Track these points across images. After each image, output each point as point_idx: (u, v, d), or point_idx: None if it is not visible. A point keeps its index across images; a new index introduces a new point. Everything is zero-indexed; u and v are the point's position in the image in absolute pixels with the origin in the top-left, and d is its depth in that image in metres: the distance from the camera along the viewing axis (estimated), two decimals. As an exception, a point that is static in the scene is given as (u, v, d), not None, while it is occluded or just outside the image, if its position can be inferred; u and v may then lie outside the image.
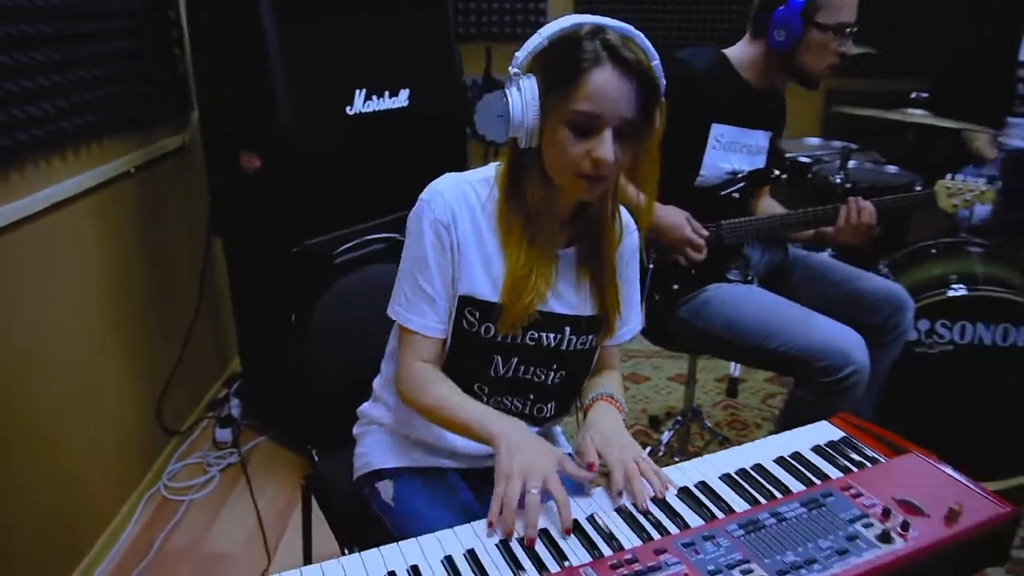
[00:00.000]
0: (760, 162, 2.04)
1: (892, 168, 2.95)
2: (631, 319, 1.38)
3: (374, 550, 1.01)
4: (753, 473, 1.16)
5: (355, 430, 1.46)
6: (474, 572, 0.96)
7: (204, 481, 2.36)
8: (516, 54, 1.14)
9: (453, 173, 1.25)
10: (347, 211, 2.19)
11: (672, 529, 1.03)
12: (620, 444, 1.17)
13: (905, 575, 0.97)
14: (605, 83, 1.07)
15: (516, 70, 1.14)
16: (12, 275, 1.71)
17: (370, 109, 2.22)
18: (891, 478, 1.13)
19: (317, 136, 2.11)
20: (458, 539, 1.03)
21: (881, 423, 1.26)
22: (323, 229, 2.17)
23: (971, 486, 1.10)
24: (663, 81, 1.12)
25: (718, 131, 1.91)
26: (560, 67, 1.09)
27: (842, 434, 1.27)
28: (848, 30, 1.81)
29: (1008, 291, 2.18)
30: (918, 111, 2.44)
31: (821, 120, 3.80)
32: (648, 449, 2.47)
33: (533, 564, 0.97)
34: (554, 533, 1.02)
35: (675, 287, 1.96)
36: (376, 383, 1.42)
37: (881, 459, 1.19)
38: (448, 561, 0.98)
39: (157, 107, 2.33)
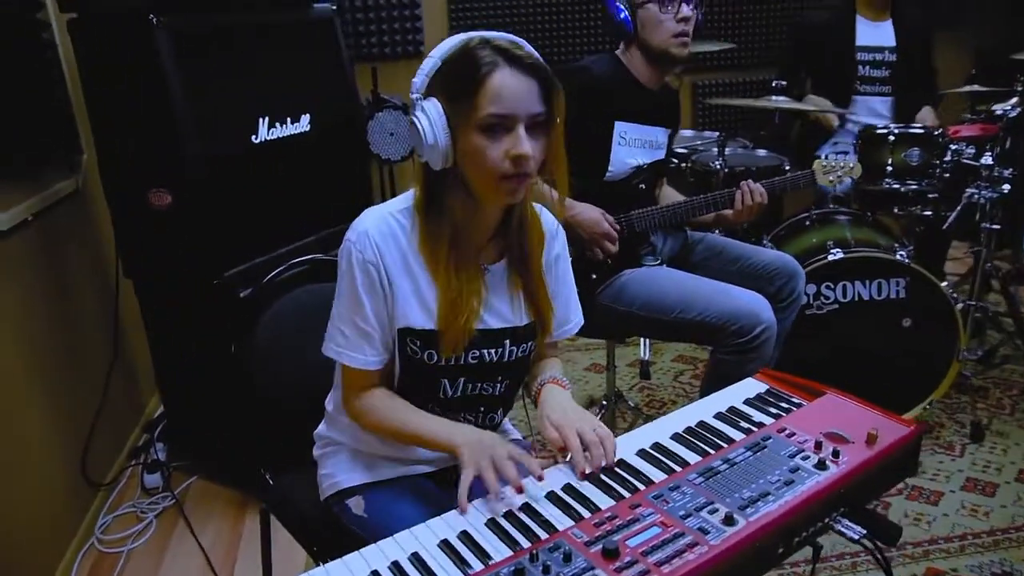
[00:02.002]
0: (660, 155, 2.22)
1: (761, 151, 3.23)
2: (571, 316, 1.46)
3: (355, 553, 1.04)
4: (699, 429, 1.29)
5: (315, 452, 1.48)
6: (472, 551, 1.03)
7: (140, 529, 2.28)
8: (413, 80, 1.17)
9: (375, 207, 1.26)
10: (263, 238, 2.20)
11: (640, 486, 1.14)
12: (577, 417, 1.26)
13: (843, 495, 1.11)
14: (507, 82, 1.12)
15: (416, 95, 1.17)
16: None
17: (274, 136, 2.24)
18: (816, 416, 1.28)
19: (226, 167, 2.10)
20: (448, 524, 1.09)
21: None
22: (242, 258, 2.16)
23: (880, 414, 1.27)
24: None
25: (621, 128, 2.07)
26: (460, 80, 1.13)
27: (767, 386, 1.43)
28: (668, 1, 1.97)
29: (876, 250, 2.46)
30: (780, 98, 2.69)
31: (692, 113, 4.07)
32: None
33: (523, 535, 1.05)
34: (536, 505, 1.11)
35: (593, 276, 2.09)
36: (329, 404, 1.44)
37: (804, 403, 1.35)
38: (446, 544, 1.05)
39: (44, 151, 2.24)
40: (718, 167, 2.82)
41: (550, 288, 1.37)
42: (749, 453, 1.19)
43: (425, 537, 1.07)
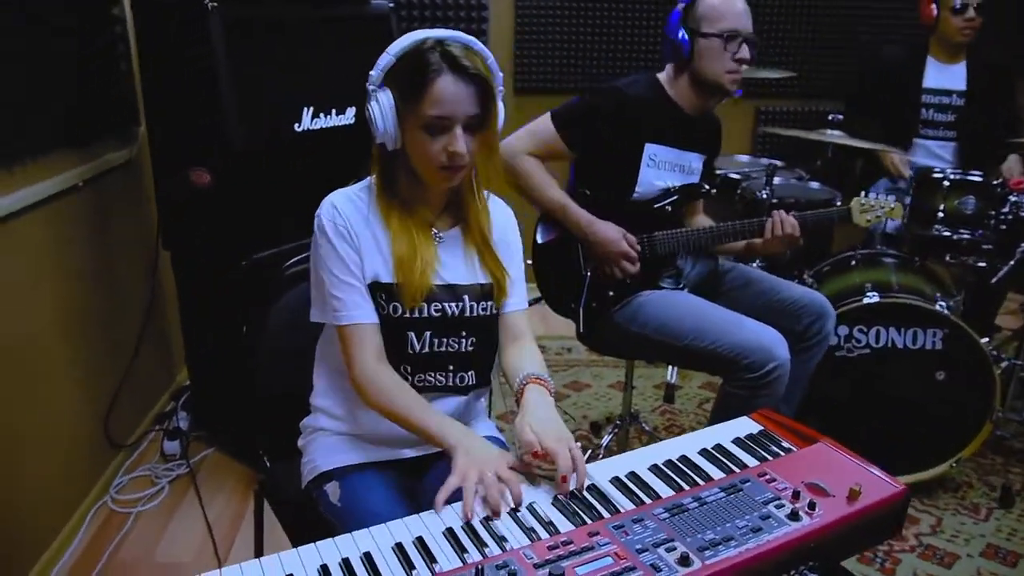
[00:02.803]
0: (692, 181, 2.18)
1: (814, 184, 3.14)
2: (520, 290, 1.52)
3: (311, 545, 1.06)
4: (679, 463, 1.27)
5: (300, 442, 1.54)
6: (422, 556, 1.04)
7: (153, 493, 2.37)
8: (371, 73, 1.31)
9: (337, 190, 1.42)
10: (293, 225, 2.24)
11: (605, 514, 1.13)
12: (556, 433, 1.26)
13: (813, 549, 1.08)
14: (448, 89, 1.25)
15: (372, 87, 1.30)
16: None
17: (317, 126, 2.29)
18: (801, 465, 1.24)
19: (265, 152, 2.16)
20: (407, 528, 1.11)
21: (807, 421, 1.37)
22: (270, 243, 2.22)
23: (870, 469, 1.22)
24: (499, 75, 1.32)
25: (651, 151, 2.04)
26: (409, 80, 1.27)
27: (760, 428, 1.39)
28: (738, 38, 1.97)
29: (917, 298, 2.36)
30: (835, 132, 2.62)
31: (751, 139, 4.00)
32: (588, 452, 2.57)
33: (476, 547, 1.05)
34: (493, 520, 1.11)
35: (610, 294, 2.07)
36: (314, 398, 1.52)
37: (794, 449, 1.31)
38: (398, 548, 1.06)
39: (103, 121, 2.35)
40: (765, 197, 2.76)
41: (502, 256, 1.47)
42: (723, 494, 1.16)
43: (382, 538, 1.08)
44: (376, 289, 1.36)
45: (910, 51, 3.02)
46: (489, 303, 1.44)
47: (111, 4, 2.34)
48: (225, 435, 2.57)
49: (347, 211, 1.36)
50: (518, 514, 1.13)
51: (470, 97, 1.27)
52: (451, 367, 1.43)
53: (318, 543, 1.07)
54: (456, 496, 1.17)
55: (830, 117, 2.69)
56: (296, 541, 1.49)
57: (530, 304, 2.02)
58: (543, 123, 2.05)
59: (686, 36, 1.98)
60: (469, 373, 1.46)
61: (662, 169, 2.08)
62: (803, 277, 2.70)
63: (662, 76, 2.10)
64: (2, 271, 1.88)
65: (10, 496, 1.92)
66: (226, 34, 2.01)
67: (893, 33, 3.80)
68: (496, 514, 1.13)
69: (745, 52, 1.99)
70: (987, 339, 2.36)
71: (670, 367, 3.11)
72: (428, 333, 1.39)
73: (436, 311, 1.39)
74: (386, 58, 1.29)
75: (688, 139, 2.11)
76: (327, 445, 1.46)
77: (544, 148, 2.05)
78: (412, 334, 1.39)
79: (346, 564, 1.03)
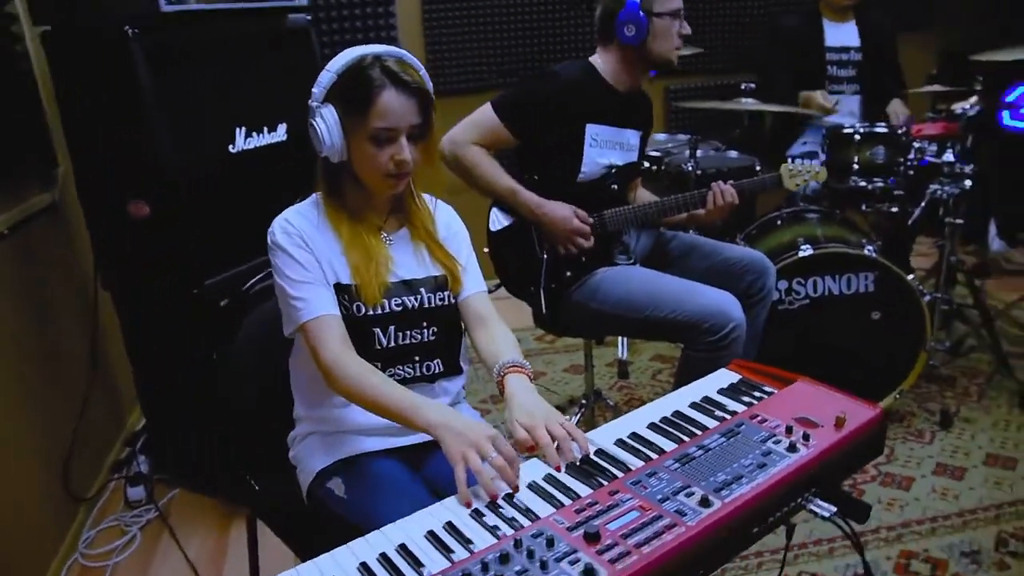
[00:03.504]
0: (633, 157, 2.27)
1: (732, 153, 3.30)
2: (477, 275, 1.59)
3: (344, 547, 1.07)
4: (674, 418, 1.33)
5: (291, 455, 1.55)
6: (457, 540, 1.06)
7: (125, 542, 2.28)
8: (313, 90, 1.38)
9: (287, 209, 1.47)
10: (242, 247, 2.20)
11: (618, 474, 1.17)
12: (544, 415, 1.29)
13: (814, 475, 1.16)
14: (391, 102, 1.34)
15: (315, 103, 1.37)
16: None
17: (252, 145, 2.26)
18: (787, 403, 1.33)
19: (203, 176, 2.12)
20: (433, 515, 1.12)
21: None
22: (221, 268, 2.17)
23: (848, 398, 1.32)
24: (430, 86, 1.39)
25: (593, 131, 2.11)
26: (353, 95, 1.34)
27: (739, 377, 1.47)
28: (681, 14, 2.10)
29: (845, 246, 2.52)
30: (749, 100, 2.75)
31: (665, 117, 4.14)
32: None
33: (506, 523, 1.08)
34: (518, 495, 1.14)
35: (568, 274, 2.13)
36: (296, 412, 1.55)
37: (775, 391, 1.39)
38: (431, 534, 1.07)
39: (18, 165, 2.24)
40: (691, 169, 2.88)
41: (452, 248, 1.55)
42: (723, 439, 1.23)
43: (411, 528, 1.10)
44: (338, 291, 1.42)
45: (807, 16, 3.21)
46: (445, 293, 1.51)
47: (14, 42, 2.24)
48: (191, 472, 2.50)
49: (298, 223, 1.42)
50: (537, 486, 1.16)
51: (412, 108, 1.36)
52: (416, 358, 1.49)
53: (351, 543, 1.07)
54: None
55: (743, 87, 2.83)
56: (304, 554, 1.49)
57: (492, 290, 2.06)
58: (485, 113, 2.09)
59: (644, 16, 2.05)
60: (435, 361, 1.51)
61: (604, 148, 2.15)
62: (735, 241, 2.83)
63: (595, 60, 2.17)
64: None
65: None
66: (148, 60, 1.96)
67: (786, 4, 4.01)
68: (515, 489, 1.15)
69: (687, 26, 2.11)
70: (911, 277, 2.53)
71: (620, 345, 3.21)
72: (392, 328, 1.46)
73: (397, 306, 1.46)
74: (327, 76, 1.36)
75: (625, 117, 2.19)
76: (320, 446, 1.48)
77: (489, 137, 2.09)
78: (378, 330, 1.45)
79: (384, 558, 1.04)
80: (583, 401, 2.65)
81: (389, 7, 3.67)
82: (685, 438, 1.26)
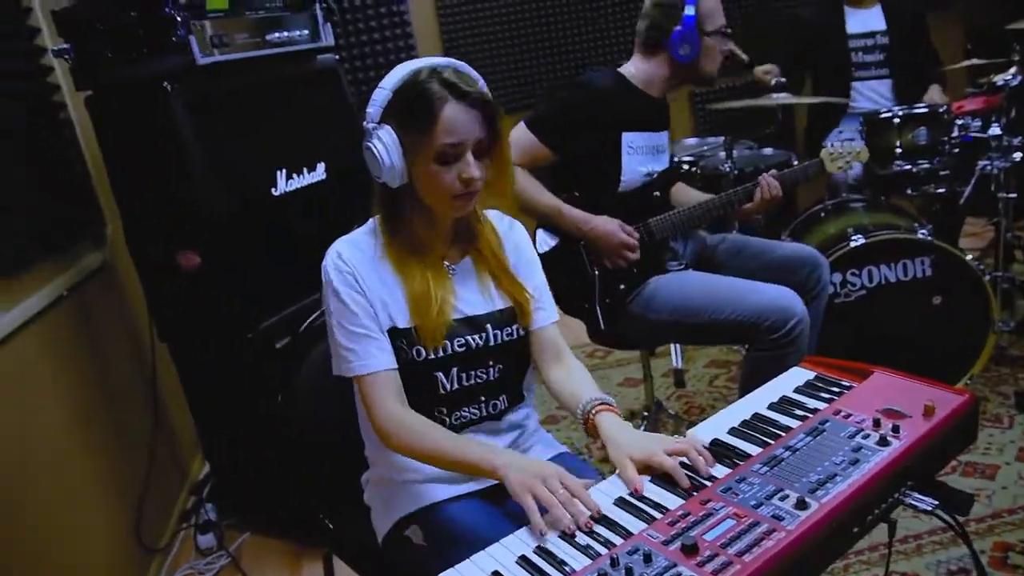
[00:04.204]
0: (665, 159, 2.25)
1: (767, 150, 3.25)
2: (550, 300, 1.52)
3: (451, 570, 1.04)
4: (755, 422, 1.30)
5: (365, 497, 1.51)
6: (552, 566, 1.03)
7: (200, 591, 2.29)
8: (368, 110, 1.29)
9: (342, 237, 1.39)
10: (292, 287, 2.22)
11: (706, 483, 1.14)
12: (658, 442, 1.21)
13: (909, 468, 1.11)
14: (456, 116, 1.24)
15: (371, 124, 1.28)
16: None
17: (293, 187, 2.28)
18: (869, 396, 1.28)
19: (250, 222, 2.15)
20: (522, 540, 1.10)
21: None
22: (274, 310, 2.19)
23: (932, 386, 1.27)
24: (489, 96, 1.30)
25: (628, 139, 2.10)
26: (413, 112, 1.25)
27: (814, 374, 1.43)
28: (727, 31, 2.09)
29: (897, 231, 2.46)
30: (781, 95, 2.72)
31: (692, 121, 4.11)
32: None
33: (599, 543, 1.05)
34: (606, 513, 1.11)
35: (621, 287, 2.11)
36: (368, 451, 1.49)
37: (854, 385, 1.35)
38: (524, 560, 1.05)
39: (71, 228, 2.29)
40: (728, 170, 2.84)
41: (521, 273, 1.46)
42: (809, 438, 1.19)
43: (502, 555, 1.07)
44: (395, 335, 1.34)
45: (827, 5, 3.17)
46: (513, 327, 1.42)
47: (58, 110, 2.30)
48: (260, 516, 2.50)
49: (352, 258, 1.34)
50: (624, 501, 1.13)
51: (477, 121, 1.27)
52: (483, 398, 1.42)
53: (444, 573, 1.05)
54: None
55: (773, 82, 2.80)
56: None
57: None
58: (520, 132, 2.08)
59: (697, 36, 2.03)
60: (500, 399, 1.44)
61: (641, 154, 2.14)
62: (780, 238, 2.79)
63: (625, 69, 2.16)
64: (11, 391, 1.81)
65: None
66: (187, 112, 2.00)
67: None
68: (588, 523, 1.08)
69: (728, 43, 2.12)
70: (969, 257, 2.46)
71: (674, 353, 3.16)
72: (455, 369, 1.38)
73: (460, 346, 1.37)
74: (382, 94, 1.28)
75: (655, 120, 2.18)
76: (394, 492, 1.41)
77: (526, 156, 2.07)
78: (440, 374, 1.37)
79: (478, 587, 1.02)
80: (644, 413, 2.60)
81: (408, 39, 3.71)
82: (770, 440, 1.22)
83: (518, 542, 1.10)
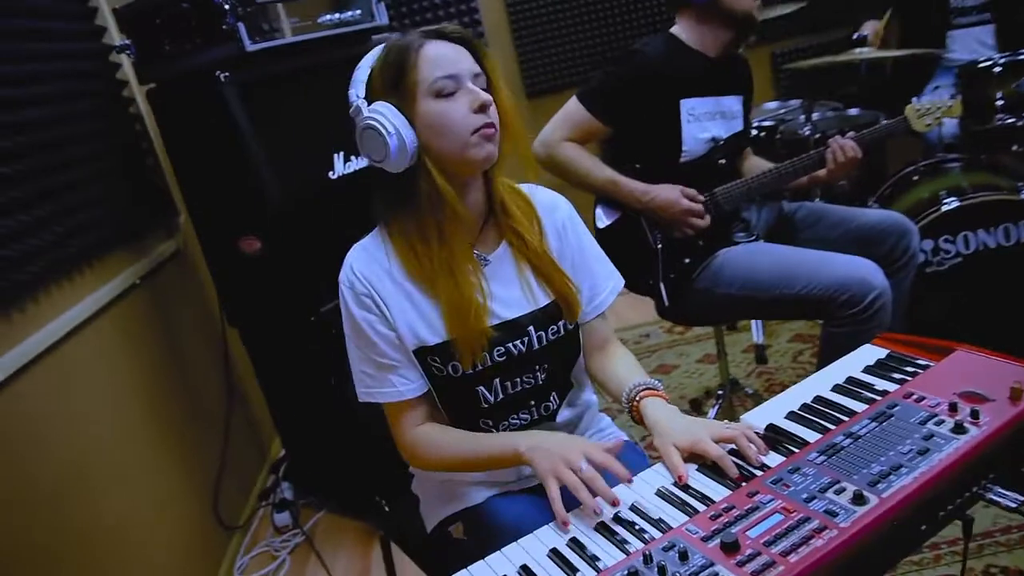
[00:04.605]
0: (738, 126, 2.11)
1: (853, 110, 3.03)
2: (600, 284, 1.36)
3: (463, 570, 1.00)
4: (816, 405, 1.20)
5: (413, 487, 1.48)
6: (582, 557, 0.98)
7: (275, 568, 2.35)
8: (350, 93, 1.18)
9: (355, 245, 1.27)
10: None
11: (756, 472, 1.05)
12: (704, 428, 1.14)
13: (991, 458, 1.00)
14: (439, 50, 1.15)
15: (359, 102, 1.16)
16: (48, 402, 1.73)
17: (351, 169, 2.27)
18: (946, 377, 1.16)
19: (308, 205, 2.15)
20: (555, 532, 1.04)
21: None
22: (334, 293, 2.20)
23: (1021, 366, 1.13)
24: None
25: (688, 105, 1.98)
26: (396, 68, 1.15)
27: (886, 352, 1.31)
28: None
29: (998, 192, 2.24)
30: (864, 49, 2.51)
31: (774, 84, 3.89)
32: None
33: (635, 536, 0.99)
34: (643, 505, 1.04)
35: (686, 261, 2.00)
36: None
37: (931, 364, 1.22)
38: (555, 553, 1.00)
39: (143, 218, 2.37)
40: (807, 133, 2.67)
41: (567, 260, 1.31)
42: (874, 424, 1.08)
43: (534, 547, 1.03)
44: (425, 354, 1.22)
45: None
46: (559, 324, 1.28)
47: (127, 104, 2.38)
48: (332, 495, 2.55)
49: (367, 272, 1.21)
50: (667, 492, 1.06)
51: (465, 55, 1.16)
52: (532, 403, 1.31)
53: (471, 566, 1.01)
54: (571, 499, 1.06)
55: (855, 36, 2.59)
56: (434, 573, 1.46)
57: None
58: (572, 107, 2.00)
59: None
60: (551, 397, 1.33)
61: (704, 121, 2.01)
62: (868, 205, 2.60)
63: (676, 30, 2.03)
64: (86, 376, 1.89)
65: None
66: (241, 99, 2.01)
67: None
68: (614, 502, 1.03)
69: None
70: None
71: (755, 328, 3.01)
72: (497, 380, 1.26)
73: (500, 355, 1.24)
74: (362, 73, 1.18)
75: (721, 84, 2.04)
76: (438, 492, 1.38)
77: (580, 131, 1.99)
78: (482, 388, 1.25)
79: (507, 580, 0.98)
80: (719, 392, 2.49)
81: (474, 14, 3.65)
82: (830, 426, 1.12)
83: (551, 534, 1.05)
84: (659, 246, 2.03)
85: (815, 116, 2.97)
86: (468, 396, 1.26)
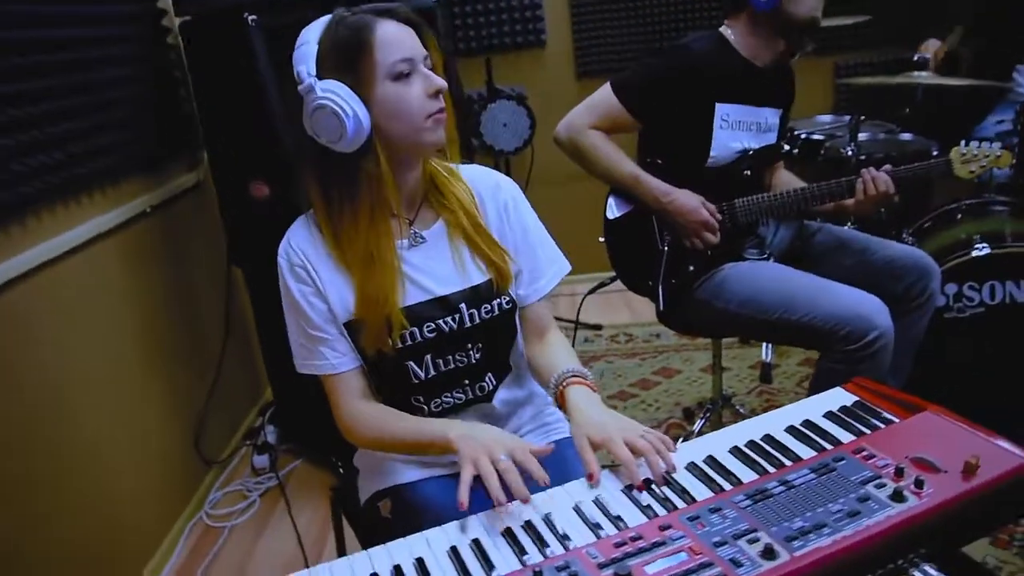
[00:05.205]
0: (771, 139, 2.03)
1: (906, 135, 2.89)
2: (543, 267, 1.34)
3: (362, 552, 1.01)
4: (762, 443, 1.14)
5: (354, 460, 1.49)
6: (479, 559, 0.96)
7: (245, 507, 2.40)
8: (298, 71, 1.13)
9: (298, 218, 1.27)
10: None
11: (679, 504, 1.02)
12: (618, 428, 1.12)
13: (924, 533, 0.94)
14: (394, 31, 1.13)
15: (309, 81, 1.12)
16: (37, 318, 1.78)
17: (371, 127, 2.25)
18: (905, 437, 1.10)
19: (321, 158, 2.14)
20: (461, 530, 1.03)
21: (916, 393, 1.17)
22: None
23: (989, 439, 1.06)
24: None
25: (723, 110, 1.90)
26: (349, 48, 1.12)
27: (855, 399, 1.24)
28: None
29: (1034, 246, 2.12)
30: (922, 74, 2.38)
31: (832, 96, 3.73)
32: (681, 439, 2.43)
33: (537, 546, 0.96)
34: (555, 517, 1.02)
35: (690, 268, 1.94)
36: None
37: (895, 420, 1.16)
38: (454, 551, 0.98)
39: (168, 147, 2.40)
40: (850, 154, 2.55)
41: (508, 242, 1.30)
42: (813, 476, 1.03)
43: (437, 542, 1.01)
44: (352, 328, 1.23)
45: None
46: (493, 303, 1.27)
47: (165, 34, 2.39)
48: (310, 445, 2.58)
49: (304, 246, 1.22)
50: (583, 508, 1.03)
51: (414, 37, 1.15)
52: (466, 381, 1.31)
53: (371, 550, 1.01)
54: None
55: (916, 58, 2.45)
56: (365, 546, 1.46)
57: (608, 283, 1.86)
58: (603, 94, 1.93)
59: None
60: (486, 377, 1.33)
61: (736, 129, 1.93)
62: (902, 236, 2.48)
63: (725, 31, 1.94)
64: (80, 296, 1.93)
65: (109, 511, 1.98)
66: (266, 44, 2.00)
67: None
68: (523, 499, 1.02)
69: None
70: None
71: (765, 345, 2.92)
72: (428, 356, 1.26)
73: (431, 332, 1.24)
74: (309, 47, 1.13)
75: (761, 93, 1.95)
76: (373, 467, 1.39)
77: (607, 120, 1.92)
78: (412, 363, 1.25)
79: (397, 570, 0.96)
80: (709, 406, 2.43)
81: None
82: (770, 469, 1.07)
83: (456, 531, 1.03)
84: (665, 248, 1.98)
85: (863, 137, 2.85)
86: (398, 371, 1.26)
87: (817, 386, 1.88)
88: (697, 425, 2.41)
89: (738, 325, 1.98)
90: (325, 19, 1.16)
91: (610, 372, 3.06)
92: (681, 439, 2.34)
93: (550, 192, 3.50)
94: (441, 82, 1.15)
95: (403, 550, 1.01)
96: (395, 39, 1.13)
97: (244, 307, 2.70)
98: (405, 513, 1.27)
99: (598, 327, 3.37)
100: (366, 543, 1.45)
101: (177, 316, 2.38)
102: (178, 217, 2.43)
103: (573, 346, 3.28)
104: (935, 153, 2.66)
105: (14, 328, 1.70)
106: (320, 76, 1.13)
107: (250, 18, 1.95)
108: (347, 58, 1.12)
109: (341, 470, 1.65)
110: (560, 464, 1.25)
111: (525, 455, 1.06)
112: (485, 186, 1.32)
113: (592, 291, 2.34)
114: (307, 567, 1.00)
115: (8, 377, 1.67)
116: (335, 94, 1.11)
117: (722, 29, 1.95)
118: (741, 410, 2.50)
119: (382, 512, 1.32)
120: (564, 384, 1.22)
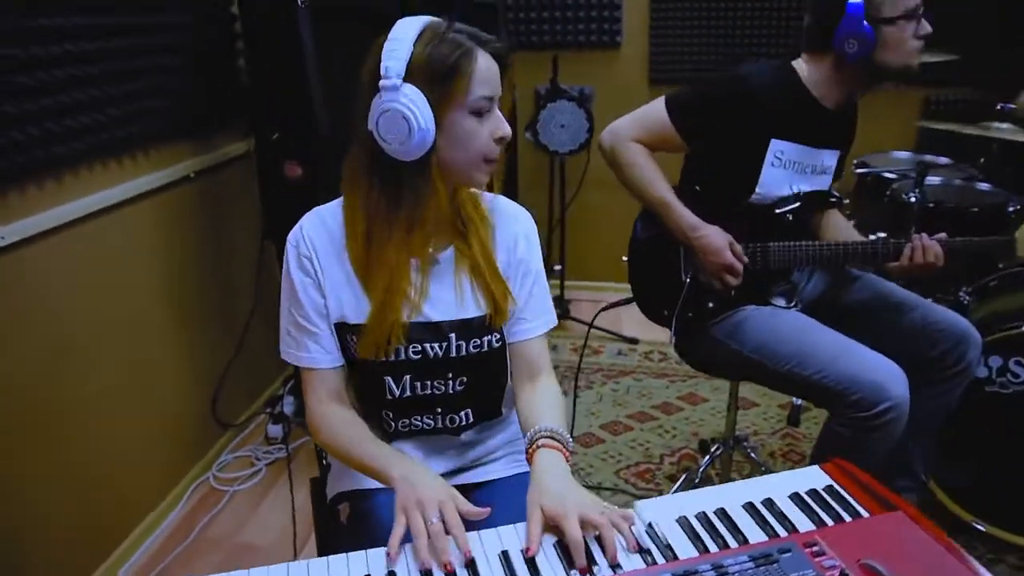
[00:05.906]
0: (824, 183, 1.91)
1: (984, 185, 2.70)
2: (537, 310, 1.32)
3: (282, 565, 1.01)
4: (713, 517, 1.09)
5: (328, 455, 1.49)
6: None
7: (251, 473, 2.47)
8: (384, 65, 1.09)
9: (315, 208, 1.26)
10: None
11: (606, 573, 0.98)
12: (576, 503, 1.05)
13: (849, 649, 0.88)
14: (488, 65, 1.12)
15: (392, 81, 1.08)
16: (66, 271, 1.86)
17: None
18: (866, 537, 1.02)
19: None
20: (379, 560, 1.02)
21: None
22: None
23: (953, 556, 0.98)
24: None
25: (777, 147, 1.79)
26: (444, 67, 1.09)
27: (828, 482, 1.17)
28: (919, 12, 1.68)
29: (1097, 328, 1.95)
30: (1003, 125, 2.21)
31: (915, 133, 3.51)
32: (684, 476, 2.37)
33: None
34: (481, 566, 1.00)
35: (710, 305, 1.87)
36: None
37: (865, 514, 1.09)
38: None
39: (219, 116, 2.45)
40: (913, 200, 2.40)
41: (509, 272, 1.29)
42: (751, 564, 0.97)
43: (356, 566, 1.01)
44: (344, 330, 1.23)
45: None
46: (484, 338, 1.26)
47: (228, 3, 2.44)
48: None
49: (317, 239, 1.21)
50: (506, 560, 1.01)
51: (498, 76, 1.15)
52: (439, 409, 1.30)
53: (289, 563, 1.01)
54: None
55: (999, 107, 2.28)
56: (321, 545, 1.48)
57: (622, 303, 1.81)
58: (656, 108, 1.83)
59: (869, 27, 1.68)
60: (463, 412, 1.32)
61: (789, 170, 1.82)
62: (959, 295, 2.33)
63: (799, 65, 1.82)
64: (113, 251, 2.01)
65: (120, 458, 2.07)
66: (316, 29, 2.02)
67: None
68: (448, 568, 0.98)
69: (926, 25, 1.70)
70: None
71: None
72: (408, 377, 1.26)
73: (415, 353, 1.24)
74: (402, 48, 1.09)
75: (823, 135, 1.83)
76: (343, 466, 1.38)
77: (654, 136, 1.83)
78: (389, 379, 1.26)
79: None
80: (719, 445, 2.34)
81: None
82: (712, 548, 1.02)
83: (376, 559, 1.02)
84: (687, 280, 1.90)
85: (936, 181, 2.69)
86: (375, 383, 1.27)
87: (820, 447, 1.80)
88: (703, 463, 2.33)
89: (748, 369, 1.89)
90: (422, 22, 1.13)
91: (636, 390, 2.99)
92: (684, 476, 2.28)
93: (602, 197, 3.45)
94: (508, 131, 1.16)
95: (319, 567, 1.01)
96: (487, 75, 1.12)
97: (276, 280, 2.75)
98: (358, 523, 1.27)
99: (634, 341, 3.31)
100: (322, 543, 1.47)
101: (207, 280, 2.45)
102: (223, 184, 2.50)
103: (605, 357, 3.24)
104: (1011, 209, 2.48)
105: (38, 279, 1.78)
106: (404, 79, 1.10)
107: (301, 2, 1.96)
108: (440, 76, 1.10)
109: (325, 462, 1.67)
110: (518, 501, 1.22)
111: (454, 517, 1.04)
112: (503, 216, 1.31)
113: (605, 308, 2.28)
114: (294, 543, 1.01)
115: (27, 326, 1.76)
116: (415, 104, 1.08)
117: (796, 62, 1.83)
118: (753, 455, 2.41)
119: (340, 516, 1.34)
120: (537, 443, 1.18)
